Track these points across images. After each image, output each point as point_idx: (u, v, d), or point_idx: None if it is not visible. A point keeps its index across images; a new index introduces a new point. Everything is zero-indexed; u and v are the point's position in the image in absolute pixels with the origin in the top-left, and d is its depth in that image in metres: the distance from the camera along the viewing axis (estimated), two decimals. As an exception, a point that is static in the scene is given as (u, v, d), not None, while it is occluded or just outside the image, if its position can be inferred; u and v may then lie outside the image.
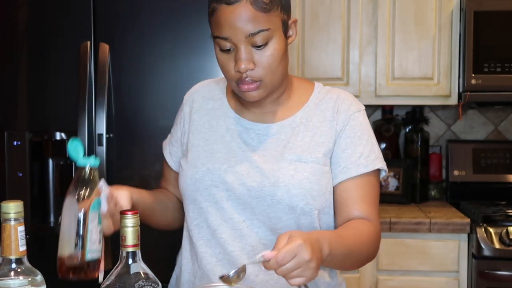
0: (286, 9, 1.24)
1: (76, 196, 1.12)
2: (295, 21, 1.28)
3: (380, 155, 1.35)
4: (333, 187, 1.32)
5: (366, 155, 1.31)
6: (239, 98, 1.35)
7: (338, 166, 1.31)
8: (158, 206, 1.40)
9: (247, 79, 1.21)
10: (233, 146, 1.32)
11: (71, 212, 1.11)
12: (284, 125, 1.32)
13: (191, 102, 1.43)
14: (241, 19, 1.17)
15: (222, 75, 1.31)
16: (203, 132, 1.37)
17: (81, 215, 1.11)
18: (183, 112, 1.44)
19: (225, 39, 1.19)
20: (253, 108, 1.34)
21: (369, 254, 1.30)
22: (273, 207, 1.26)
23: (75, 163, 1.14)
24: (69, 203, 1.12)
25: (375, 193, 1.34)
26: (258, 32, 1.18)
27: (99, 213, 1.13)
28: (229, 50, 1.21)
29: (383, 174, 1.36)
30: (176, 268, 1.46)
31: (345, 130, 1.31)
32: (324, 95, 1.35)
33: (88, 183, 1.12)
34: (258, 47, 1.20)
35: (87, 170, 1.13)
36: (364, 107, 1.37)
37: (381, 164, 1.33)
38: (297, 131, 1.31)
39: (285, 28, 1.24)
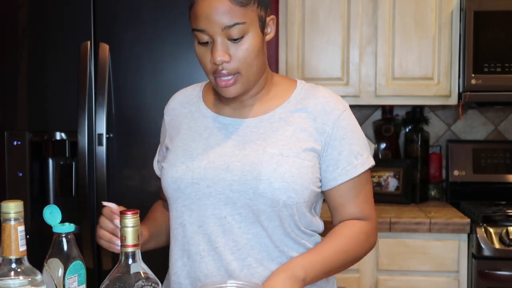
0: (264, 5, 1.26)
1: (49, 264, 1.12)
2: (273, 19, 1.31)
3: (369, 150, 1.38)
4: (330, 189, 1.34)
5: (361, 154, 1.34)
6: (218, 95, 1.37)
7: (336, 168, 1.32)
8: (151, 239, 1.41)
9: (223, 71, 1.24)
10: (211, 142, 1.33)
11: (47, 278, 1.11)
12: (263, 119, 1.33)
13: (170, 110, 1.46)
14: (217, 11, 1.20)
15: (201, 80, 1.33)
16: (181, 133, 1.39)
17: (58, 281, 1.11)
18: (164, 122, 1.48)
19: (202, 31, 1.22)
20: (232, 103, 1.36)
21: (356, 256, 1.35)
22: (255, 200, 1.26)
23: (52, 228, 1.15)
24: (46, 270, 1.13)
25: (370, 190, 1.38)
26: (234, 25, 1.20)
27: (77, 275, 1.12)
28: (206, 43, 1.24)
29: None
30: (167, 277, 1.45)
31: (337, 132, 1.32)
32: (307, 92, 1.37)
33: (64, 248, 1.12)
34: (234, 40, 1.22)
35: (63, 235, 1.13)
36: (347, 104, 1.39)
37: (373, 161, 1.37)
38: (277, 126, 1.32)
39: (262, 24, 1.27)
